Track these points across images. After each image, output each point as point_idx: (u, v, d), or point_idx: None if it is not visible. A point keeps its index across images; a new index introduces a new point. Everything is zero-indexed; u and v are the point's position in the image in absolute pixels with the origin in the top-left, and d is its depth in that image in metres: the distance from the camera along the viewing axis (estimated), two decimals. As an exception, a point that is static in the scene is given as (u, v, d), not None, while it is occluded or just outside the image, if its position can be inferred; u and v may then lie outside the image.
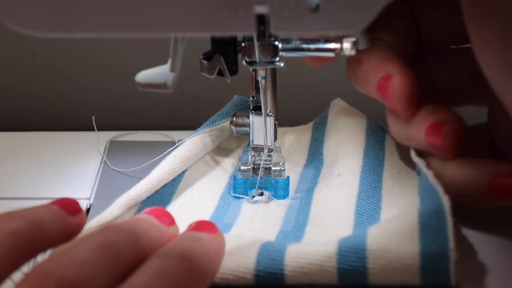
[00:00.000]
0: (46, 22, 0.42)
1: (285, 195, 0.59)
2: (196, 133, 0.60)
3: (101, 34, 0.43)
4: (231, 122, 0.60)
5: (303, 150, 0.63)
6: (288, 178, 0.59)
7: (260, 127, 0.58)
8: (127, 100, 0.77)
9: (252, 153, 0.59)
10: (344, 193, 0.56)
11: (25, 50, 0.76)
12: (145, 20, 0.42)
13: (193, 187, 0.59)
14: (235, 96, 0.63)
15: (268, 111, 0.57)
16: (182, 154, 0.59)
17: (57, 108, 0.78)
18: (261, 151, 0.59)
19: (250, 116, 0.58)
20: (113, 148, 0.68)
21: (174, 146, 0.60)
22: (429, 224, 0.46)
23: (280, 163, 0.59)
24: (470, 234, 0.52)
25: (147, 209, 0.50)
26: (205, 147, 0.61)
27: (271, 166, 0.59)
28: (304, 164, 0.62)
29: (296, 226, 0.55)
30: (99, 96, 0.78)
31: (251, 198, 0.59)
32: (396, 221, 0.48)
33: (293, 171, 0.61)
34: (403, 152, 0.60)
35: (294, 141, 0.64)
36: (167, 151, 0.60)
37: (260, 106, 0.57)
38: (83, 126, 0.70)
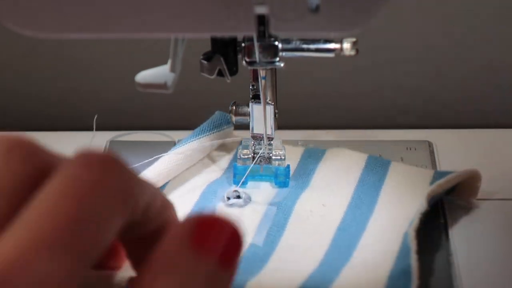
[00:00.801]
0: (46, 23, 0.42)
1: (285, 183, 0.59)
2: (184, 144, 0.61)
3: (101, 35, 0.43)
4: (230, 111, 0.60)
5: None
6: (288, 166, 0.59)
7: (260, 115, 0.58)
8: (127, 100, 0.77)
9: (252, 142, 0.59)
10: (326, 224, 0.55)
11: (25, 50, 0.76)
12: (145, 21, 0.42)
13: (174, 192, 0.59)
14: (216, 112, 0.63)
15: (268, 100, 0.57)
16: (161, 168, 0.59)
17: (57, 108, 0.78)
18: (261, 140, 0.59)
19: (250, 104, 0.58)
20: (113, 148, 0.68)
21: (174, 146, 0.60)
22: (395, 284, 0.47)
23: (281, 151, 0.59)
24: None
25: None
26: (190, 160, 0.61)
27: (271, 154, 0.59)
28: None
29: (267, 242, 0.54)
30: (99, 96, 0.78)
31: (227, 200, 0.58)
32: (367, 273, 0.48)
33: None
34: (409, 179, 0.59)
35: None
36: (166, 153, 0.60)
37: (259, 95, 0.57)
38: (83, 126, 0.70)
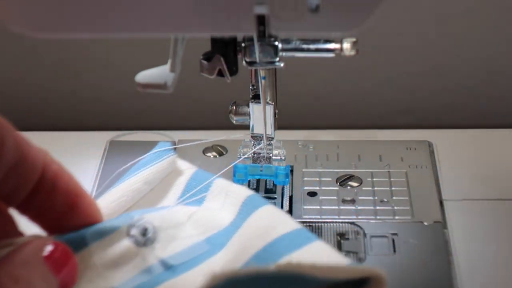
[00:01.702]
0: (46, 23, 0.42)
1: (285, 182, 0.58)
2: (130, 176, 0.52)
3: (101, 35, 0.43)
4: (230, 111, 0.60)
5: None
6: (288, 166, 0.59)
7: (260, 115, 0.58)
8: (127, 100, 0.77)
9: (253, 142, 0.59)
10: None
11: (26, 50, 0.76)
12: (145, 20, 0.42)
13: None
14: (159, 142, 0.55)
15: (268, 100, 0.57)
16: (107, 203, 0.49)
17: (58, 108, 0.78)
18: (261, 140, 0.59)
19: (250, 104, 0.58)
20: (113, 148, 0.68)
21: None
22: None
23: (281, 151, 0.59)
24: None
25: None
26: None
27: (271, 154, 0.59)
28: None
29: None
30: (99, 96, 0.78)
31: (130, 230, 0.46)
32: None
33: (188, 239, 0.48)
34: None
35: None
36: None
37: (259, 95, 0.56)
38: (83, 126, 0.70)
